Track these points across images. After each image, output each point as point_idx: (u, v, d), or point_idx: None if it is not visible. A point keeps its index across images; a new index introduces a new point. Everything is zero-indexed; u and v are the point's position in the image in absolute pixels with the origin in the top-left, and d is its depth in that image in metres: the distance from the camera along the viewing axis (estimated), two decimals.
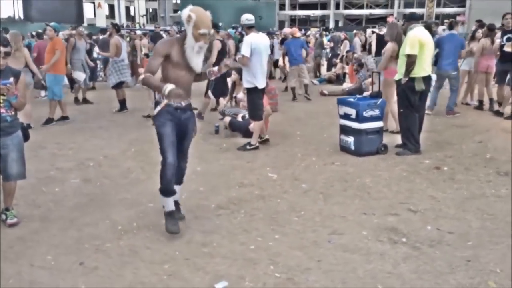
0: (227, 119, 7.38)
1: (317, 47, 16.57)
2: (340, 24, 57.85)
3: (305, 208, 4.36)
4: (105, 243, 3.67)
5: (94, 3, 59.38)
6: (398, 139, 6.41)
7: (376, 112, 6.05)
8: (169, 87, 3.47)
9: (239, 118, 7.40)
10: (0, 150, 3.90)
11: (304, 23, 60.24)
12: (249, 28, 6.46)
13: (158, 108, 3.71)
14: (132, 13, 65.29)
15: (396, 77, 6.29)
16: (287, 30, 12.92)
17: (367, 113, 5.99)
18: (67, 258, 3.43)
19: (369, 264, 3.33)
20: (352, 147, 6.11)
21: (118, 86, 9.21)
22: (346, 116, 6.19)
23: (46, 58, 7.94)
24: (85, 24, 50.52)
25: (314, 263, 3.35)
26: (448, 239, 3.71)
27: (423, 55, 5.88)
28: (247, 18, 6.46)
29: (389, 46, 6.72)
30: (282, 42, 12.33)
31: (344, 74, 13.92)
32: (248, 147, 6.45)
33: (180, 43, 3.65)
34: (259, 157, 6.11)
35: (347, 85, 12.48)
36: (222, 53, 8.27)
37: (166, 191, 3.76)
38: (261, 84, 6.33)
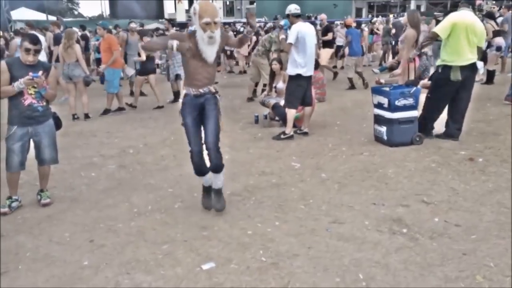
0: (272, 101, 7.43)
1: (385, 34, 16.08)
2: (422, 9, 55.00)
3: (315, 197, 4.40)
4: (118, 223, 3.99)
5: None
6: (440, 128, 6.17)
7: (410, 101, 5.85)
8: (174, 42, 3.65)
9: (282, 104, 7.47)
10: (34, 138, 4.35)
11: (383, 9, 58.05)
12: (296, 17, 6.49)
13: (180, 100, 3.98)
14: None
15: (437, 63, 6.05)
16: (323, 16, 12.71)
17: (400, 102, 5.82)
18: (81, 235, 3.79)
19: (359, 253, 3.33)
20: (385, 137, 5.98)
21: (175, 78, 9.68)
22: (379, 105, 6.07)
23: (102, 56, 8.54)
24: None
25: (304, 250, 3.41)
26: (452, 231, 3.59)
27: (459, 41, 5.57)
28: (295, 7, 6.48)
29: (410, 34, 6.45)
30: (325, 30, 12.19)
31: None
32: (282, 136, 6.54)
33: (194, 35, 3.81)
34: (290, 146, 6.18)
35: None
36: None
37: (199, 173, 4.10)
38: (305, 72, 6.36)
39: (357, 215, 3.98)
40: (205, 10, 3.69)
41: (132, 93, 10.81)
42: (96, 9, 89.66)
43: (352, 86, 10.83)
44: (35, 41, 4.20)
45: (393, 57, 15.35)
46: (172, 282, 3.07)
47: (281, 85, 7.89)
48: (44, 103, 4.36)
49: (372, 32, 18.65)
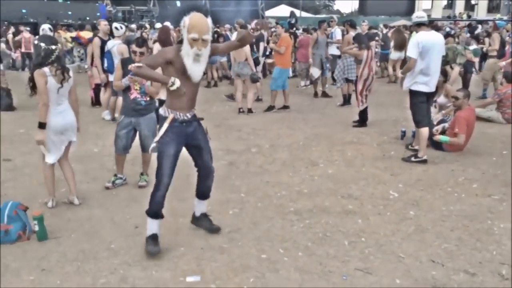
0: None
1: None
2: None
3: (371, 236, 3.79)
4: (167, 219, 4.20)
5: None
6: None
7: None
8: (177, 81, 3.29)
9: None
10: (136, 127, 4.96)
11: None
12: (419, 25, 5.64)
13: (165, 125, 3.45)
14: (473, 2, 61.05)
15: None
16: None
17: None
18: (134, 221, 4.15)
19: None
20: None
21: (346, 81, 9.42)
22: None
23: (274, 54, 8.91)
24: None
25: None
26: None
27: None
28: (417, 15, 5.69)
29: None
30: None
31: None
32: (413, 159, 5.73)
33: (179, 49, 3.42)
34: (412, 171, 5.38)
35: None
36: None
37: (155, 213, 3.60)
38: (427, 88, 5.54)
39: (396, 269, 3.29)
40: (193, 25, 3.30)
41: (316, 94, 10.90)
42: (349, 7, 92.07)
43: None
44: (140, 44, 4.75)
45: None
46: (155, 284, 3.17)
47: (442, 99, 6.89)
48: (148, 98, 4.90)
49: None
